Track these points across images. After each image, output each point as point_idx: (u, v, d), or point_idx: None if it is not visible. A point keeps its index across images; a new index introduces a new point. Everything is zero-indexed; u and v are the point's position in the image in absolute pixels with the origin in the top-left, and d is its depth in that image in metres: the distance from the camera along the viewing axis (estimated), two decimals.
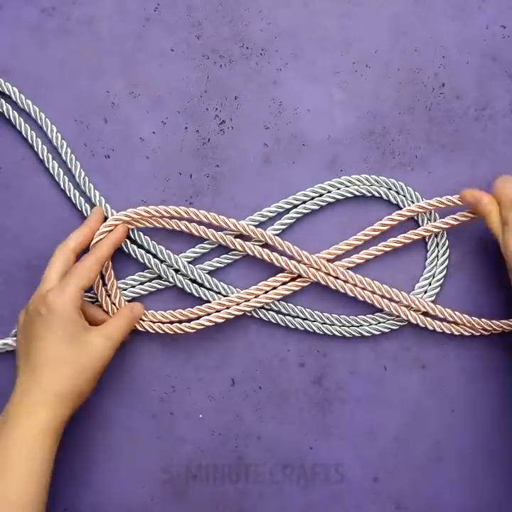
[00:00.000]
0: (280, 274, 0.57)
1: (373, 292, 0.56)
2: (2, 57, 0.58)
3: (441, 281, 0.58)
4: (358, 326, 0.58)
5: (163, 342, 0.58)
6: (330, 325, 0.57)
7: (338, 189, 0.58)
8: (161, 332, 0.56)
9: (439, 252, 0.58)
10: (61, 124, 0.58)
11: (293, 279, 0.57)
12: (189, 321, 0.56)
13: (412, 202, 0.57)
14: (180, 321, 0.57)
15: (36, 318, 0.50)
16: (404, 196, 0.57)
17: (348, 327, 0.58)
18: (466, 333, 0.57)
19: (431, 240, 0.58)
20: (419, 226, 0.58)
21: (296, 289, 0.57)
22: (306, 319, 0.58)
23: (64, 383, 0.49)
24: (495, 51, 0.58)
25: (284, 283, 0.57)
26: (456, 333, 0.57)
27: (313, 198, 0.58)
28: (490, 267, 0.59)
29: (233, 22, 0.58)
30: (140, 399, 0.58)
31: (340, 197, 0.58)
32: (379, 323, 0.58)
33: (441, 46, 0.58)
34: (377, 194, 0.58)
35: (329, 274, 0.56)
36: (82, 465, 0.58)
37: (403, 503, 0.58)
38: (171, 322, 0.57)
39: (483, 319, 0.56)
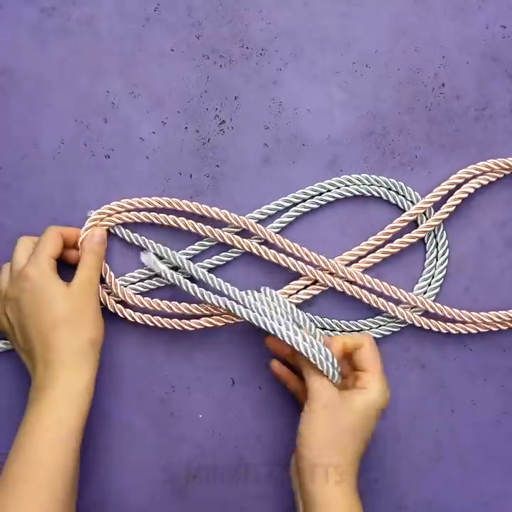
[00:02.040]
0: (287, 287, 0.57)
1: (372, 290, 0.56)
2: (2, 57, 0.58)
3: (441, 281, 0.58)
4: (358, 331, 0.57)
5: (164, 342, 0.58)
6: (330, 331, 0.57)
7: (338, 188, 0.58)
8: (170, 327, 0.56)
9: (438, 252, 0.58)
10: (61, 124, 0.58)
11: (305, 287, 0.57)
12: (190, 318, 0.56)
13: (411, 202, 0.57)
14: (182, 318, 0.56)
15: (22, 297, 0.51)
16: (403, 196, 0.57)
17: (349, 332, 0.57)
18: (463, 332, 0.57)
19: (430, 240, 0.58)
20: (418, 226, 0.58)
21: (307, 297, 0.57)
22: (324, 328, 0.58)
23: (75, 338, 0.51)
24: (495, 51, 0.58)
25: (291, 295, 0.57)
26: (454, 331, 0.57)
27: (312, 197, 0.58)
28: (490, 267, 0.59)
29: (233, 22, 0.58)
30: (140, 399, 0.58)
31: (339, 196, 0.58)
32: (379, 326, 0.57)
33: (441, 46, 0.58)
34: (376, 194, 0.58)
35: (328, 272, 0.56)
36: (82, 465, 0.58)
37: (403, 503, 0.58)
38: (174, 317, 0.56)
39: (482, 312, 0.57)
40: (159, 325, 0.56)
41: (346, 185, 0.58)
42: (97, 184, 0.58)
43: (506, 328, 0.57)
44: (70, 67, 0.58)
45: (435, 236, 0.58)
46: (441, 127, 0.58)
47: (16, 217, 0.58)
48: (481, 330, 0.57)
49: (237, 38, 0.58)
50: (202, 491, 0.58)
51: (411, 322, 0.57)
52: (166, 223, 0.57)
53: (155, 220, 0.57)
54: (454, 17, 0.59)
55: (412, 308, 0.57)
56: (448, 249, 0.58)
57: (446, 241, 0.58)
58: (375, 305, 0.56)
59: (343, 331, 0.57)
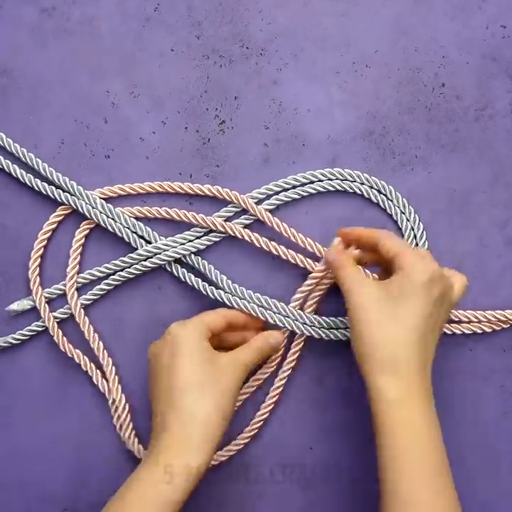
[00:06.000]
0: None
1: None
2: (2, 57, 0.58)
3: None
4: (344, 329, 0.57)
5: None
6: (332, 329, 0.57)
7: (331, 180, 0.57)
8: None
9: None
10: (61, 124, 0.58)
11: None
12: None
13: (399, 207, 0.57)
14: None
15: (164, 348, 0.50)
16: (391, 201, 0.57)
17: (340, 329, 0.57)
18: (465, 332, 0.57)
19: (410, 239, 0.57)
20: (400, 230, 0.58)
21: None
22: (312, 326, 0.57)
23: (205, 405, 0.47)
24: (495, 51, 0.58)
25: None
26: (454, 332, 0.57)
27: (303, 185, 0.57)
28: (490, 267, 0.59)
29: (233, 22, 0.58)
30: (140, 399, 0.58)
31: (331, 188, 0.57)
32: None
33: (441, 46, 0.58)
34: (366, 195, 0.57)
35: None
36: (82, 465, 0.58)
37: None
38: None
39: (481, 312, 0.57)
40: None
41: (342, 180, 0.58)
42: (97, 184, 0.58)
43: (507, 326, 0.58)
44: (70, 67, 0.58)
45: (415, 237, 0.57)
46: (441, 127, 0.58)
47: (16, 217, 0.58)
48: (482, 330, 0.57)
49: (237, 38, 0.58)
50: (202, 491, 0.58)
51: None
52: (159, 216, 0.57)
53: (148, 214, 0.57)
54: (454, 17, 0.59)
55: None
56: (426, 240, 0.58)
57: (426, 241, 0.57)
58: None
59: (338, 329, 0.57)
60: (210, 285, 0.57)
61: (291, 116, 0.58)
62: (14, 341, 0.57)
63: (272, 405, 0.57)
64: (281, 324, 0.55)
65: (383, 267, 0.53)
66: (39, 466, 0.58)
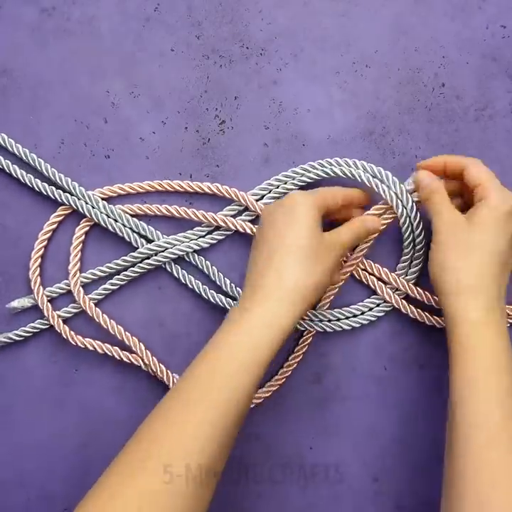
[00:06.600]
0: None
1: (364, 270, 0.57)
2: (2, 57, 0.58)
3: (420, 266, 0.57)
4: (344, 318, 0.57)
5: (163, 342, 0.58)
6: (324, 321, 0.57)
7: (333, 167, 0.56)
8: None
9: (415, 240, 0.57)
10: (61, 124, 0.58)
11: None
12: None
13: (395, 194, 0.55)
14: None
15: (278, 208, 0.51)
16: (388, 187, 0.55)
17: (336, 321, 0.57)
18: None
19: (407, 233, 0.57)
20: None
21: None
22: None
23: (298, 272, 0.48)
24: (495, 51, 0.58)
25: None
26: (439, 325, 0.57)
27: (294, 178, 0.57)
28: None
29: (233, 22, 0.58)
30: (141, 398, 0.58)
31: (333, 174, 0.56)
32: (363, 313, 0.57)
33: (441, 46, 0.58)
34: (359, 179, 0.55)
35: None
36: (82, 465, 0.58)
37: (403, 503, 0.58)
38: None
39: None
40: (109, 353, 0.57)
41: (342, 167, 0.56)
42: (97, 184, 0.58)
43: (508, 325, 0.57)
44: (70, 67, 0.58)
45: (413, 232, 0.57)
46: (441, 127, 0.58)
47: (16, 217, 0.58)
48: None
49: (237, 38, 0.58)
50: None
51: (398, 306, 0.57)
52: (159, 213, 0.57)
53: (148, 211, 0.57)
54: (454, 17, 0.59)
55: (394, 291, 0.57)
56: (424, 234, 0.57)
57: (423, 231, 0.56)
58: (372, 286, 0.57)
59: (330, 321, 0.57)
60: (212, 285, 0.57)
61: (291, 116, 0.58)
62: (16, 338, 0.57)
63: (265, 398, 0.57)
64: (390, 201, 0.55)
65: (464, 199, 0.55)
66: (40, 465, 0.58)
